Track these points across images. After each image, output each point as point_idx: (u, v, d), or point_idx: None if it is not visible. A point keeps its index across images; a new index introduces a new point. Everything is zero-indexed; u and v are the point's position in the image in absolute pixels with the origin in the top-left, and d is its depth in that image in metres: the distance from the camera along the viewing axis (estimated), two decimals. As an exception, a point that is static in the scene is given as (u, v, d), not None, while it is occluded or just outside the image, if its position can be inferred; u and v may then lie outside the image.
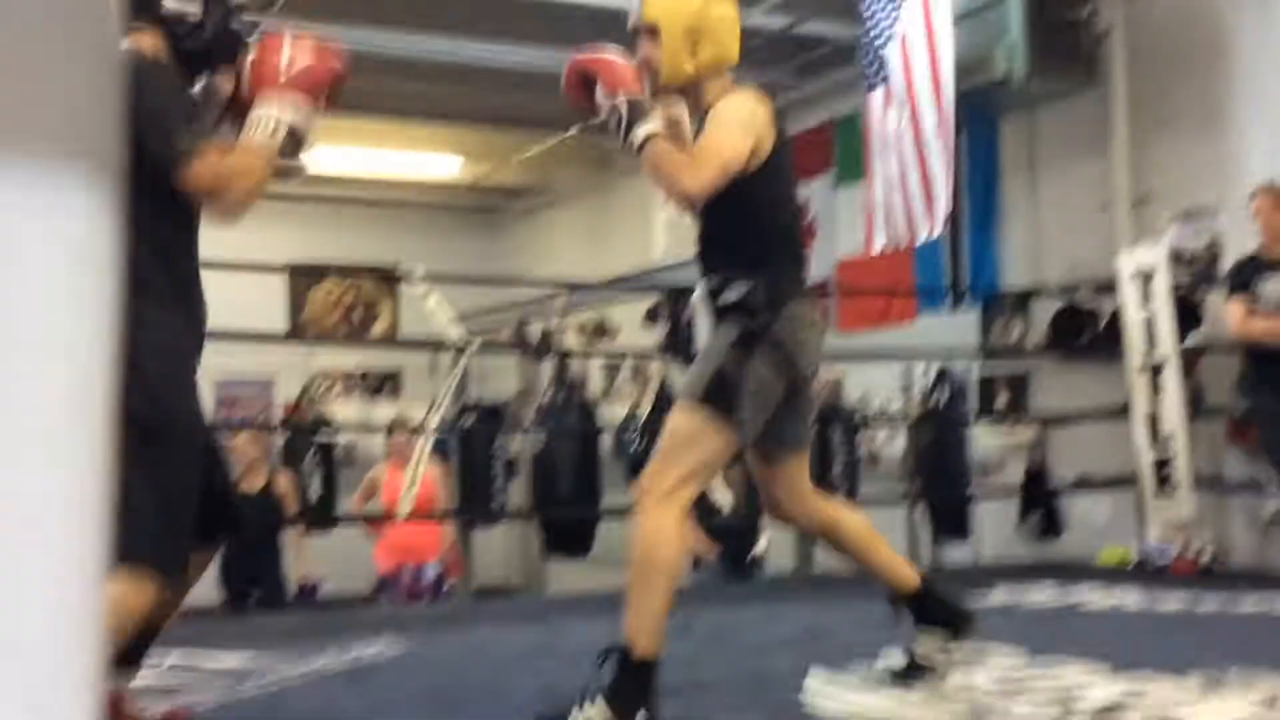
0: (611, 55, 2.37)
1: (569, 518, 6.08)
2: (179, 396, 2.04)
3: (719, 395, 2.26)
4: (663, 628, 2.21)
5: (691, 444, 2.26)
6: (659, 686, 2.21)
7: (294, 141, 2.04)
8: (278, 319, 9.33)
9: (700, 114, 2.39)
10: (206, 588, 6.32)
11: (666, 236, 7.61)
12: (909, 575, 2.52)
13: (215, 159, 1.97)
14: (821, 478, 6.23)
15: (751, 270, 2.35)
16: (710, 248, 2.45)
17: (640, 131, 2.26)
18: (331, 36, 7.05)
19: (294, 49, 2.06)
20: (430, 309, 4.27)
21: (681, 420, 2.28)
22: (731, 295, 2.34)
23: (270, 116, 2.02)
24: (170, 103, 2.01)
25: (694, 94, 2.41)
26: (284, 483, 6.24)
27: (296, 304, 9.65)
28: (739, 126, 2.29)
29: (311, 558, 6.17)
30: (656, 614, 2.20)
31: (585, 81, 2.38)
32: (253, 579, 6.13)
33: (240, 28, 2.15)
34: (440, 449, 6.78)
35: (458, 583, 5.79)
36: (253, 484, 6.15)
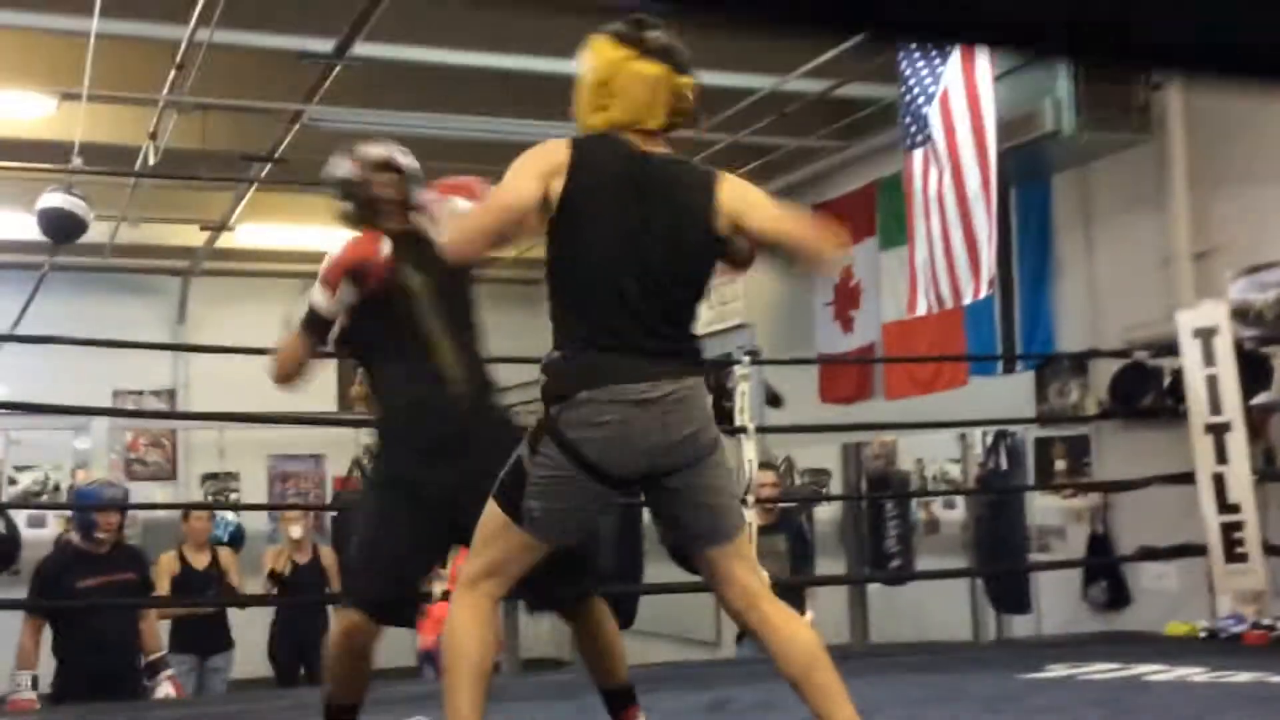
0: (336, 254, 2.52)
1: (610, 591, 6.06)
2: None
3: (511, 492, 2.20)
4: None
5: (491, 540, 2.22)
6: None
7: (316, 321, 2.67)
8: (328, 394, 9.52)
9: None
10: (257, 662, 6.41)
11: (708, 307, 7.66)
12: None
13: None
14: (876, 546, 6.16)
15: (551, 351, 2.24)
16: None
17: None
18: (375, 122, 7.26)
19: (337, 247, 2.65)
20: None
21: (486, 514, 2.24)
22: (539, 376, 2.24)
23: (306, 300, 2.68)
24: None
25: None
26: (329, 556, 6.34)
27: (346, 380, 9.85)
28: (510, 175, 2.18)
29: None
30: (463, 708, 2.16)
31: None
32: (301, 653, 6.18)
33: (373, 195, 2.79)
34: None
35: (503, 656, 5.78)
36: (301, 557, 6.27)
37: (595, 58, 2.29)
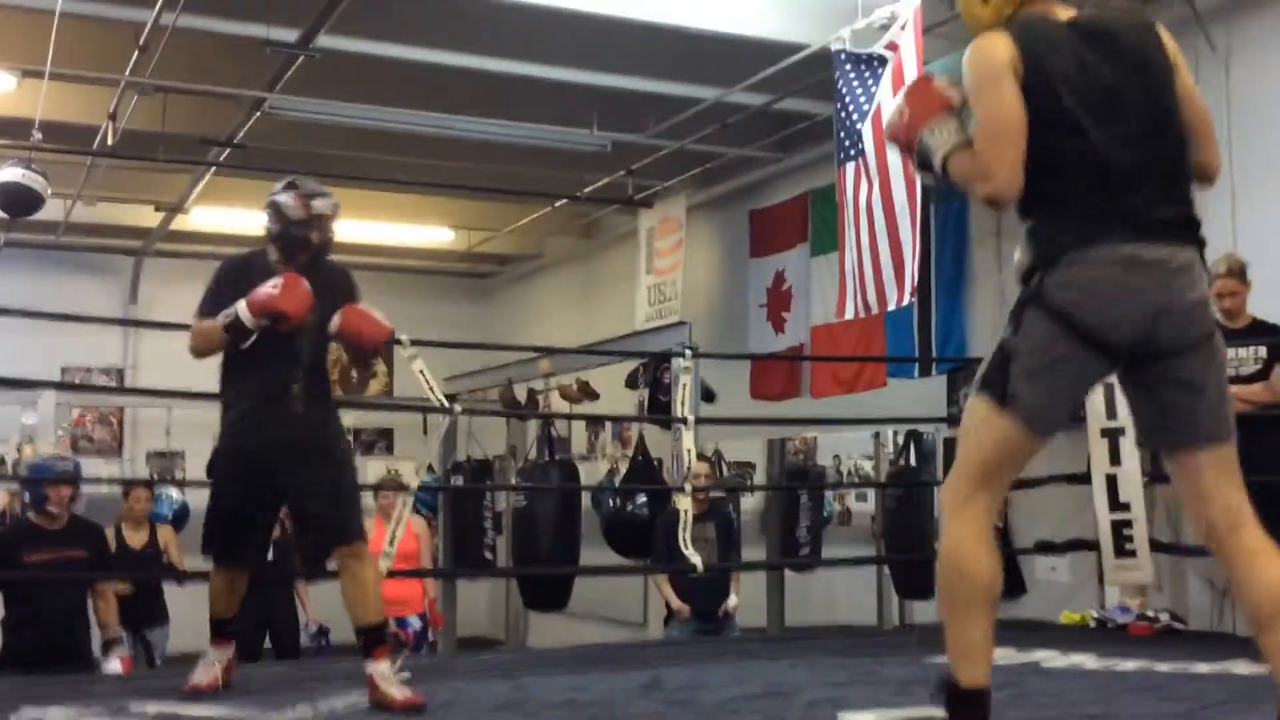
0: (895, 106, 2.11)
1: (547, 573, 6.01)
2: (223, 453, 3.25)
3: (995, 376, 1.92)
4: (987, 652, 1.91)
5: (973, 440, 1.94)
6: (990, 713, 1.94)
7: (241, 332, 3.04)
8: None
9: None
10: (192, 636, 6.21)
11: (648, 304, 7.63)
12: None
13: (195, 324, 3.14)
14: (788, 534, 6.20)
15: (1027, 223, 2.00)
16: None
17: (936, 159, 2.01)
18: (334, 113, 7.08)
19: (274, 284, 3.01)
20: (416, 374, 4.26)
21: (966, 417, 1.98)
22: (1014, 257, 2.01)
23: (233, 310, 3.03)
24: (210, 282, 3.19)
25: None
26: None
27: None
28: (984, 89, 1.95)
29: (313, 605, 6.14)
30: (974, 640, 1.90)
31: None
32: (266, 625, 5.89)
33: (298, 235, 3.14)
34: (428, 506, 6.69)
35: (439, 634, 5.69)
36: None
37: None
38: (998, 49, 1.98)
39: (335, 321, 3.10)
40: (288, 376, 3.08)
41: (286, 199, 3.11)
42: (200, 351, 3.14)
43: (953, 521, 1.93)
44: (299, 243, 3.12)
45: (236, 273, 3.16)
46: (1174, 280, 1.92)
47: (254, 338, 3.04)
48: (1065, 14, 2.08)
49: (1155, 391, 1.95)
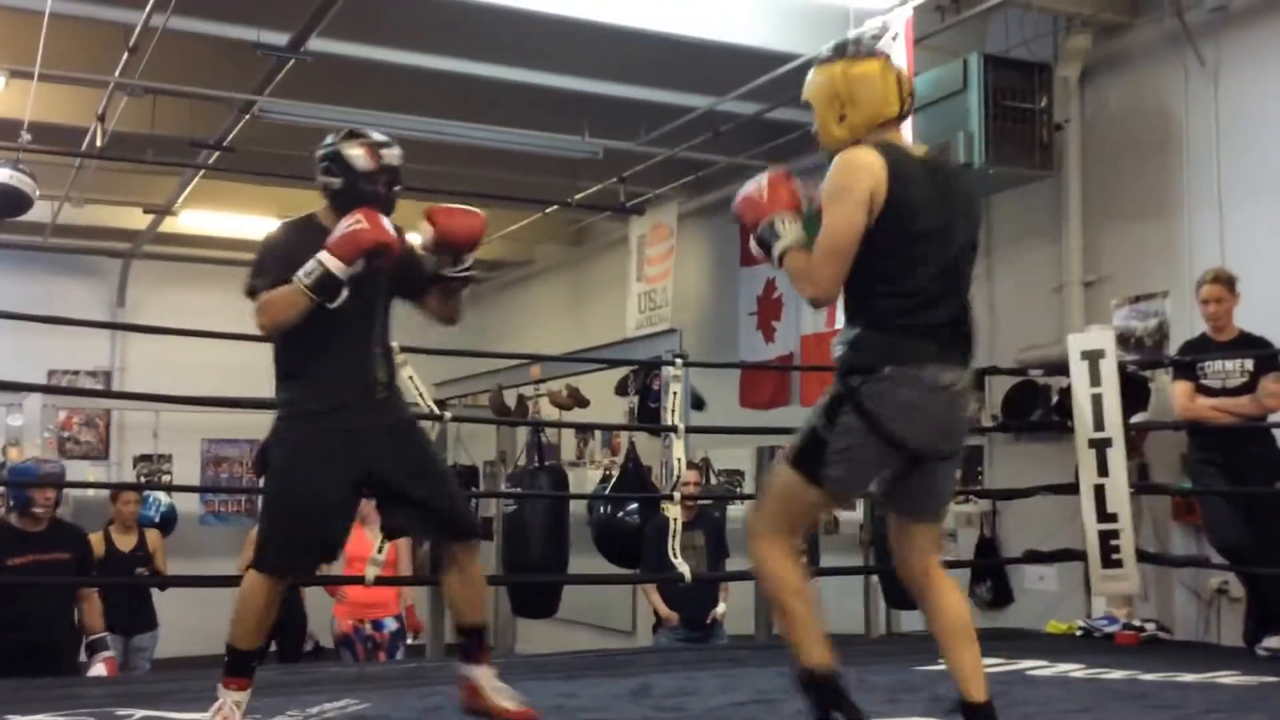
0: (754, 184, 2.42)
1: (537, 581, 6.00)
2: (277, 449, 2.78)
3: (808, 457, 2.29)
4: (819, 637, 2.31)
5: (784, 499, 2.34)
6: (844, 687, 2.35)
7: (331, 285, 2.62)
8: (268, 380, 9.27)
9: None
10: (180, 642, 6.17)
11: (638, 311, 7.64)
12: (977, 687, 2.36)
13: (262, 296, 2.68)
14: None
15: (852, 327, 2.32)
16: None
17: (775, 252, 2.34)
18: (325, 117, 7.08)
19: (354, 219, 2.65)
20: (406, 379, 4.26)
21: (778, 476, 2.37)
22: (834, 353, 2.35)
23: (314, 265, 2.62)
24: (261, 255, 2.77)
25: None
26: None
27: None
28: (838, 203, 2.24)
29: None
30: (804, 628, 2.30)
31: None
32: (277, 626, 5.89)
33: (368, 190, 2.76)
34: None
35: (414, 637, 5.69)
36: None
37: (817, 81, 2.41)
38: (867, 168, 2.26)
39: (425, 231, 2.79)
40: (369, 360, 2.76)
41: (353, 150, 2.75)
42: (277, 325, 2.67)
43: (761, 546, 2.34)
44: (368, 199, 2.73)
45: (290, 242, 2.75)
46: (958, 400, 2.33)
47: (344, 296, 2.64)
48: (916, 150, 2.42)
49: (917, 480, 2.36)
